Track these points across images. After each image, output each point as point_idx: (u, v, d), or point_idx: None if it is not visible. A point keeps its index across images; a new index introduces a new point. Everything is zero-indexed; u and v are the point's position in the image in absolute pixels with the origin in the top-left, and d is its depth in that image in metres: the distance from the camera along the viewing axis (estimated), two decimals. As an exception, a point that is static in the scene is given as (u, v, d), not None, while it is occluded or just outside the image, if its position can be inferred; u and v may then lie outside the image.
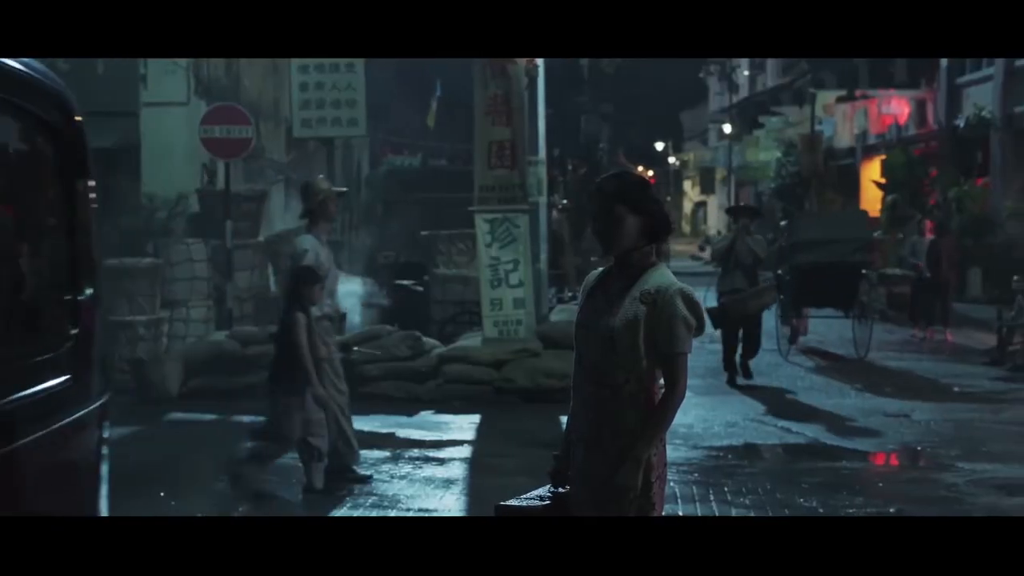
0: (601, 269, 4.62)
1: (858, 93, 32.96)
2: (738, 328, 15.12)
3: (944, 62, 29.14)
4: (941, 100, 29.74)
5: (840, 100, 33.65)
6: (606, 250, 4.49)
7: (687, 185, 76.98)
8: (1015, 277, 17.52)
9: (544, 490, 4.65)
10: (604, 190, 4.46)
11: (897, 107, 31.36)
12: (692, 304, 4.35)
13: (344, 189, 10.69)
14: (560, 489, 4.57)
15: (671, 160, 78.51)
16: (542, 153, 17.10)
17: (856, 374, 15.83)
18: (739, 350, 15.25)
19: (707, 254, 23.16)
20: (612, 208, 4.40)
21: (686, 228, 71.49)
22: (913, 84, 32.15)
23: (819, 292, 17.70)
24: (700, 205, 74.61)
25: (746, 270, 15.23)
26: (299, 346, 8.36)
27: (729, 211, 18.43)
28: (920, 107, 31.33)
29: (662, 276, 4.41)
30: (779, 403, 13.39)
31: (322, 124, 15.91)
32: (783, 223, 21.61)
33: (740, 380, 14.88)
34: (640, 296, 4.34)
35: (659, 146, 76.85)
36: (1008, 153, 25.81)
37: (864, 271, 18.33)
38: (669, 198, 50.81)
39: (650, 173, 65.60)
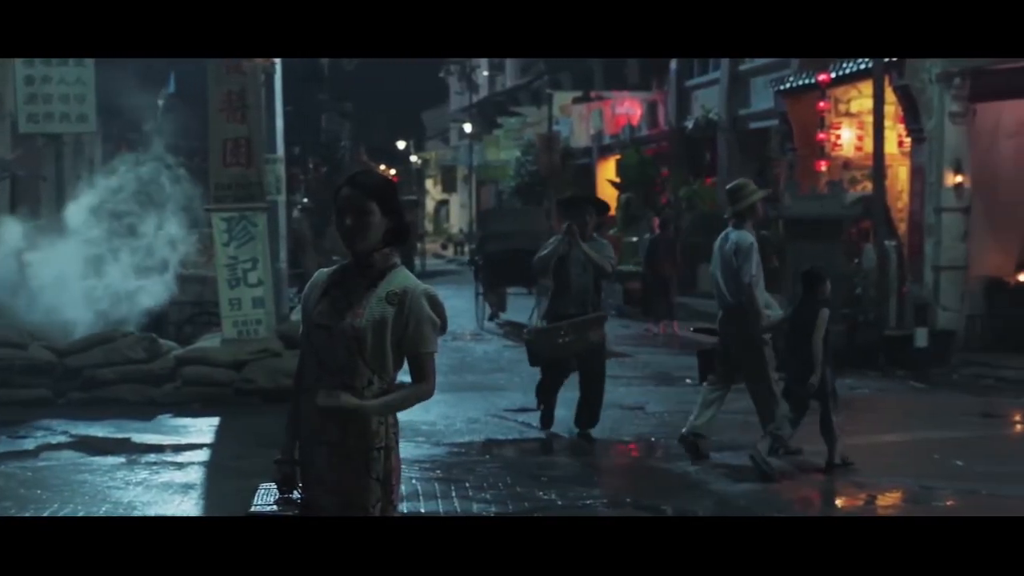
0: (330, 269, 4.57)
1: (593, 94, 33.79)
2: (565, 370, 11.50)
3: (673, 65, 30.16)
4: (671, 102, 30.76)
5: (576, 101, 34.45)
6: (351, 248, 4.40)
7: (429, 184, 77.30)
8: None
9: (271, 495, 4.58)
10: (358, 187, 4.39)
11: (630, 108, 32.29)
12: (436, 305, 4.42)
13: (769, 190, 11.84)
14: (291, 495, 4.52)
15: (413, 159, 78.70)
16: (281, 151, 16.84)
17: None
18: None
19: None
20: (365, 206, 4.34)
21: (429, 227, 71.82)
22: (645, 86, 33.15)
23: (506, 274, 21.26)
24: (443, 204, 75.07)
25: (581, 290, 11.15)
26: (817, 342, 9.58)
27: (561, 203, 13.19)
28: (652, 109, 32.33)
29: (407, 277, 4.44)
30: (519, 399, 13.59)
31: (49, 120, 15.24)
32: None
33: (574, 433, 11.46)
34: (386, 297, 4.36)
35: (401, 145, 76.93)
36: (733, 153, 26.88)
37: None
38: (414, 196, 50.79)
39: (392, 172, 65.60)
